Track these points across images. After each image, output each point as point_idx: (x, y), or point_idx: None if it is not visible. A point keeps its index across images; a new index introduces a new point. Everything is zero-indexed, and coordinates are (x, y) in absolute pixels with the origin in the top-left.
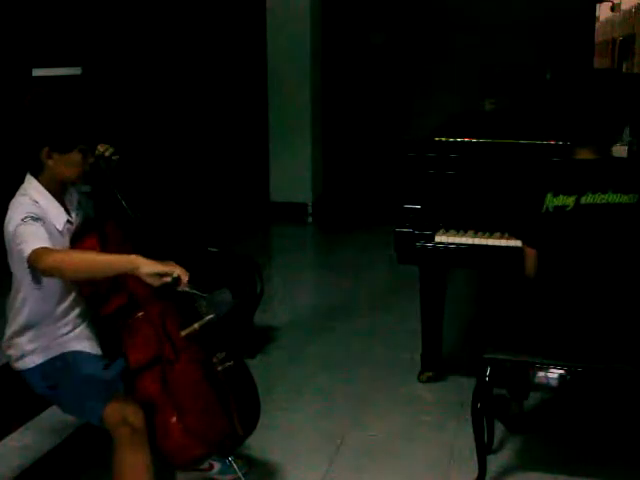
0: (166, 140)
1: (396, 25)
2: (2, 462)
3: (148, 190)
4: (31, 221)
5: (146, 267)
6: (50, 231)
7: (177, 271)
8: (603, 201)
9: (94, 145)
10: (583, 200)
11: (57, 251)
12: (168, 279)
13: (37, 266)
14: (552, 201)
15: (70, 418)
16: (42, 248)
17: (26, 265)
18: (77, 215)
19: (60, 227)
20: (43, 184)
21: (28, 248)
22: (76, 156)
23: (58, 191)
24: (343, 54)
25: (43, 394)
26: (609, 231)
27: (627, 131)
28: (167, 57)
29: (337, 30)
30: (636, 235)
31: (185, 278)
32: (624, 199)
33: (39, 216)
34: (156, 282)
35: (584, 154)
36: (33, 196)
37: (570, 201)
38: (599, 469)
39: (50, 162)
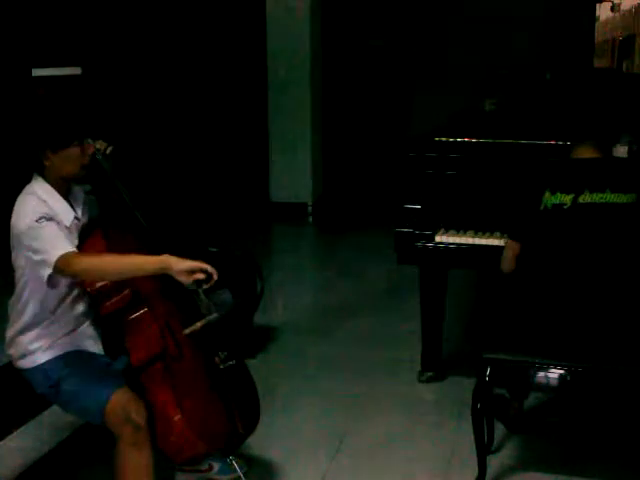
0: (166, 140)
1: (396, 26)
2: (2, 462)
3: (148, 190)
4: (46, 222)
5: (179, 264)
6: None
7: (209, 267)
8: (601, 200)
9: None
10: (581, 199)
11: (90, 255)
12: (201, 276)
13: (68, 269)
14: (550, 199)
15: (70, 418)
16: (72, 253)
17: (49, 270)
18: (83, 213)
19: (68, 224)
20: (48, 181)
21: (55, 253)
22: (73, 151)
23: (63, 188)
24: (343, 54)
25: (44, 393)
26: (607, 230)
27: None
28: (167, 58)
29: (337, 31)
30: (634, 235)
31: (215, 276)
32: (622, 199)
33: (51, 215)
34: (188, 279)
35: (584, 153)
36: (41, 195)
37: (568, 199)
38: (599, 469)
39: (48, 162)
